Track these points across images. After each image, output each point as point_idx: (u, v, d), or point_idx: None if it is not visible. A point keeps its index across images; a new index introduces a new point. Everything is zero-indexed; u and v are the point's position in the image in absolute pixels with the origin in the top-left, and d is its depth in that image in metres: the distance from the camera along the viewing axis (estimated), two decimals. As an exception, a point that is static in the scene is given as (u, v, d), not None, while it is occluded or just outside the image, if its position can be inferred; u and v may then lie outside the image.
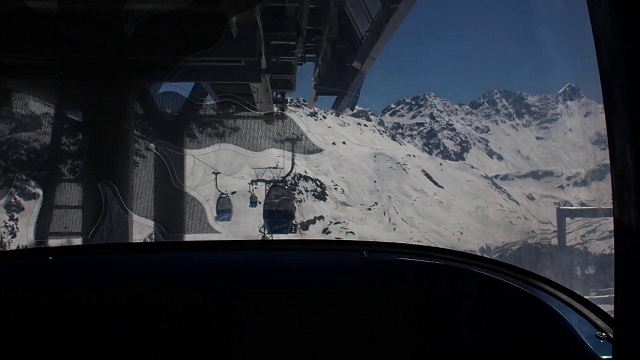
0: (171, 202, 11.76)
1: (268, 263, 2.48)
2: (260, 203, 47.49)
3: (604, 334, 1.86)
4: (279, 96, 15.22)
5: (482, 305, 2.31)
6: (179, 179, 11.71)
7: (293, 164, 42.59)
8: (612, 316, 1.47)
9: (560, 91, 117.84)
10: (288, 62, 11.36)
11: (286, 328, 2.32)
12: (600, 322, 1.93)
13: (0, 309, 2.21)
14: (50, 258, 2.36)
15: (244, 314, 2.33)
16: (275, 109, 16.10)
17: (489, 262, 2.35)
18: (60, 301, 2.26)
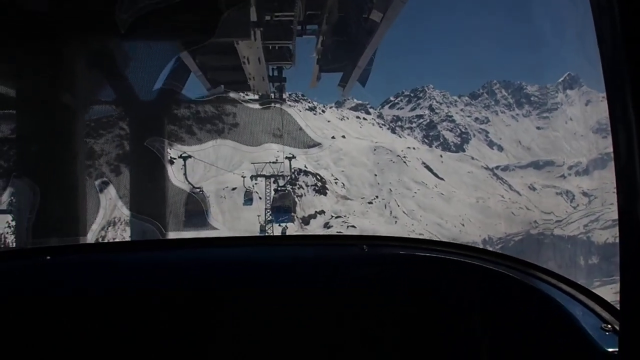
0: (162, 198, 10.71)
1: (268, 259, 2.46)
2: (259, 198, 47.44)
3: (609, 326, 1.83)
4: (275, 73, 12.17)
5: (484, 298, 2.26)
6: (161, 173, 10.69)
7: (290, 166, 42.39)
8: (618, 307, 1.53)
9: (560, 80, 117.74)
10: (285, 20, 8.90)
11: (287, 323, 2.30)
12: (605, 314, 1.89)
13: None
14: (48, 257, 2.35)
15: (245, 309, 2.30)
16: (272, 91, 13.21)
17: (490, 254, 2.33)
18: (57, 300, 2.25)
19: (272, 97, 13.59)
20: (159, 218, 10.19)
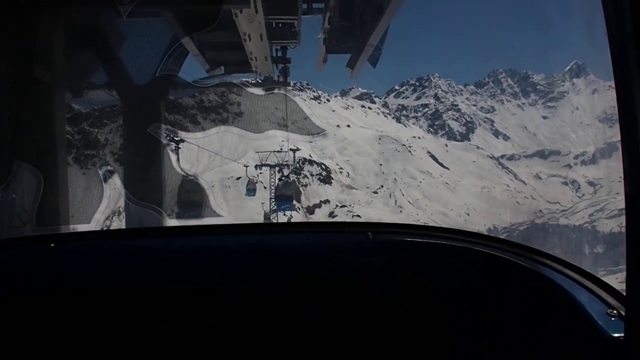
0: (159, 186, 10.33)
1: (272, 246, 2.47)
2: (264, 187, 47.47)
3: (615, 312, 1.83)
4: (279, 53, 11.15)
5: (490, 285, 2.26)
6: (158, 161, 10.29)
7: (294, 157, 42.12)
8: (624, 293, 1.48)
9: (567, 68, 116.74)
10: None
11: (292, 310, 2.30)
12: (610, 300, 1.89)
13: (2, 296, 2.22)
14: (52, 245, 2.35)
15: (249, 297, 2.31)
16: (277, 75, 11.95)
17: (495, 240, 2.31)
18: (62, 288, 2.26)
19: (276, 80, 12.46)
20: (155, 208, 9.90)
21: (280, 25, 9.32)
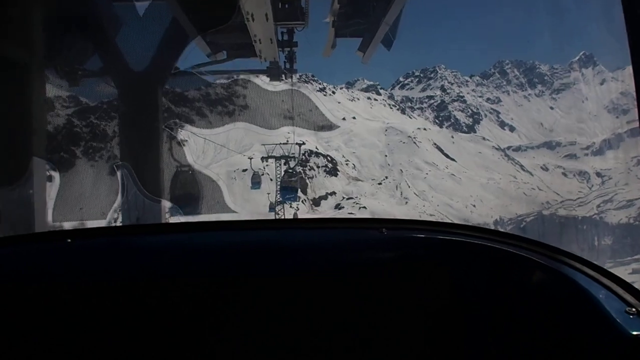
0: (157, 180, 10.03)
1: (286, 242, 2.48)
2: (270, 180, 47.47)
3: (633, 309, 1.81)
4: (285, 36, 10.36)
5: (505, 282, 2.25)
6: (156, 153, 9.97)
7: (300, 151, 41.93)
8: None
9: (575, 59, 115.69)
10: None
11: (306, 307, 2.31)
12: (629, 297, 1.86)
13: (19, 291, 2.24)
14: (69, 240, 2.36)
15: (261, 293, 2.32)
16: (282, 58, 11.25)
17: (511, 237, 2.29)
18: (78, 283, 2.28)
19: (282, 67, 11.67)
20: (154, 203, 9.73)
21: (286, 6, 8.80)
